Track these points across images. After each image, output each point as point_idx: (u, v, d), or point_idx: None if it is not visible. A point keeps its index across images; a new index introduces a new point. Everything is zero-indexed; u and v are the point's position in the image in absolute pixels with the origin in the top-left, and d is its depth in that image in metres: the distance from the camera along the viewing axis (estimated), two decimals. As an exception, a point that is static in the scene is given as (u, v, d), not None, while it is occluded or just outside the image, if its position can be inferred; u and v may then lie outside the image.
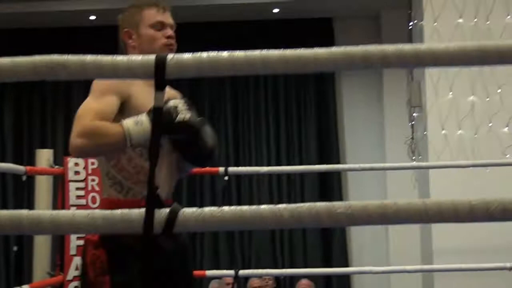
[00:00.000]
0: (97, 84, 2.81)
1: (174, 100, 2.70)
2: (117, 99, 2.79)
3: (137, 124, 2.62)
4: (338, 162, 8.98)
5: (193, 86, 9.22)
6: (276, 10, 8.93)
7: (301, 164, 8.74)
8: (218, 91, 9.27)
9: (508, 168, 5.92)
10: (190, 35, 8.85)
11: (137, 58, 1.74)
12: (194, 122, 2.69)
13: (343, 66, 1.85)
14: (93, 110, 2.75)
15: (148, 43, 2.97)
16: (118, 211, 1.76)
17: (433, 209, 1.70)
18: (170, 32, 3.02)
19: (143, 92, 2.79)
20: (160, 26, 2.99)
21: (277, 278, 8.04)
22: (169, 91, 2.88)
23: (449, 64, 1.82)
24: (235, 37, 8.73)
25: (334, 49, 1.78)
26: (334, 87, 9.32)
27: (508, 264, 5.57)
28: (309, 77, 9.20)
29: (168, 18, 3.03)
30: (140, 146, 2.72)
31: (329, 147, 9.12)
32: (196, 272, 7.85)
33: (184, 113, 2.65)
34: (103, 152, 2.89)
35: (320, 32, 9.10)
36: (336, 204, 1.73)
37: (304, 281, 7.63)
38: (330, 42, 8.82)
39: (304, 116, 9.23)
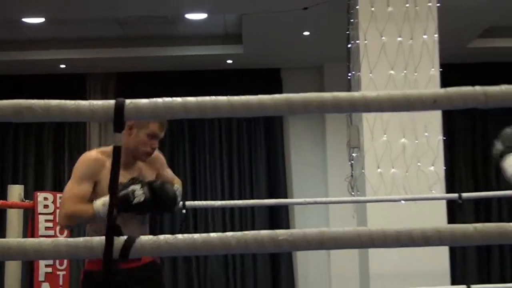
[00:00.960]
0: (76, 170, 3.31)
1: (132, 186, 3.11)
2: (90, 184, 3.26)
3: (104, 205, 3.03)
4: (286, 197, 8.98)
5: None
6: (230, 61, 8.97)
7: (252, 198, 8.72)
8: (177, 133, 9.25)
9: (433, 201, 5.99)
10: (151, 82, 8.90)
11: (98, 102, 1.72)
12: (146, 202, 3.11)
13: (285, 111, 1.85)
14: (73, 195, 3.22)
15: (137, 143, 3.36)
16: (81, 239, 1.75)
17: (365, 235, 1.71)
18: (155, 144, 3.42)
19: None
20: (152, 137, 3.37)
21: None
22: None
23: (379, 110, 1.83)
24: (193, 84, 8.75)
25: (277, 96, 1.78)
26: (282, 130, 9.37)
27: (437, 288, 5.63)
28: (259, 120, 9.24)
29: (161, 133, 3.42)
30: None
31: (277, 183, 9.16)
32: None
33: (139, 197, 3.09)
34: (81, 224, 3.37)
35: (270, 81, 9.16)
36: (279, 231, 1.73)
37: None
38: (279, 90, 8.88)
39: (255, 156, 9.27)
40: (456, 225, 1.76)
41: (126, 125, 3.07)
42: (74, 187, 3.25)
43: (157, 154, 3.56)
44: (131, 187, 3.10)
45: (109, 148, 3.30)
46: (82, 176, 3.27)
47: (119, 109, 1.69)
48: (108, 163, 3.20)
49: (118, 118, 1.69)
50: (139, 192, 3.10)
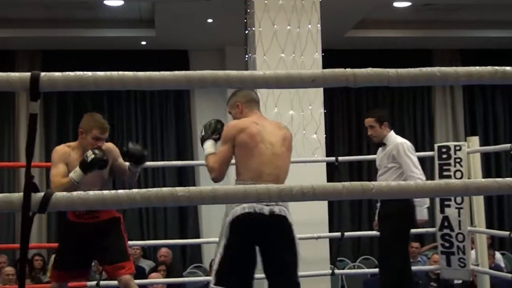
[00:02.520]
0: (53, 158, 3.96)
1: (87, 152, 3.79)
2: (64, 165, 3.90)
3: (75, 173, 3.75)
4: (192, 159, 8.95)
5: (77, 99, 8.98)
6: (144, 43, 8.80)
7: (163, 160, 8.64)
8: (97, 103, 9.02)
9: (316, 164, 6.09)
10: (74, 60, 8.64)
11: (15, 74, 1.65)
12: (97, 159, 3.76)
13: (185, 86, 1.81)
14: (57, 173, 3.88)
15: (86, 145, 3.91)
16: (2, 195, 1.69)
17: (252, 192, 1.70)
18: (101, 144, 3.94)
19: (75, 159, 3.90)
20: (97, 139, 3.92)
21: (143, 248, 7.95)
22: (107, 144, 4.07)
23: (265, 86, 1.83)
24: (111, 63, 8.52)
25: (177, 72, 1.75)
26: (190, 101, 9.30)
27: (315, 235, 5.74)
28: (170, 94, 9.14)
29: (104, 135, 3.96)
30: (79, 182, 3.75)
31: (185, 148, 9.10)
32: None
33: (91, 156, 3.74)
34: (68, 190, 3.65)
35: (178, 61, 9.04)
36: (178, 188, 1.72)
37: (163, 249, 7.56)
38: (186, 69, 8.78)
39: (166, 125, 9.17)
40: (327, 183, 1.78)
41: (79, 131, 3.97)
42: (55, 169, 3.90)
43: (112, 146, 4.13)
44: (86, 153, 3.78)
45: (73, 143, 4.04)
46: (57, 161, 3.92)
47: (34, 80, 1.63)
48: (73, 153, 3.96)
49: (34, 89, 1.63)
50: (90, 153, 3.74)
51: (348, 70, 1.83)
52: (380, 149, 5.19)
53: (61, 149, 4.01)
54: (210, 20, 7.92)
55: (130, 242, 6.32)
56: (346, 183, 1.75)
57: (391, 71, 1.84)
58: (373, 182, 1.78)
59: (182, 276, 7.23)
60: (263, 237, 3.53)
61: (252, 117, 3.71)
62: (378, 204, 5.15)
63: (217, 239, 7.18)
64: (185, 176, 9.04)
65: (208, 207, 8.68)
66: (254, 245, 3.56)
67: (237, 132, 3.58)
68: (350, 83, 1.81)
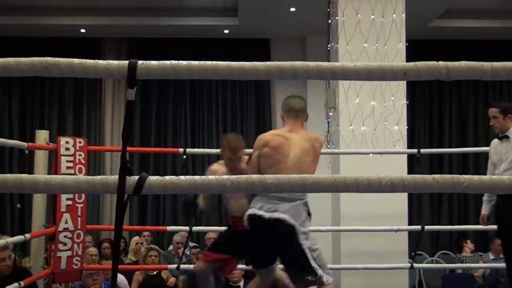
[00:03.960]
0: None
1: None
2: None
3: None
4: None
5: (160, 89, 9.19)
6: (226, 31, 8.88)
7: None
8: (180, 93, 9.21)
9: (397, 155, 6.00)
10: (159, 48, 8.83)
11: (114, 62, 1.70)
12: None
13: (276, 77, 1.82)
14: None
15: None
16: (98, 177, 1.76)
17: (341, 181, 1.71)
18: (235, 163, 4.43)
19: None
20: (230, 159, 4.46)
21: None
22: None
23: (357, 78, 1.82)
24: (194, 50, 8.70)
25: (270, 63, 1.77)
26: (270, 91, 9.33)
27: (395, 227, 5.66)
28: (251, 84, 9.20)
29: (237, 155, 4.48)
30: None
31: (264, 136, 9.13)
32: (159, 228, 7.87)
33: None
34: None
35: (260, 50, 9.08)
36: (267, 176, 1.74)
37: (211, 234, 7.43)
38: (267, 58, 8.83)
39: (246, 115, 9.26)
40: (417, 175, 1.76)
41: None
42: None
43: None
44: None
45: None
46: None
47: (132, 68, 1.68)
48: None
49: (131, 76, 1.68)
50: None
51: (441, 63, 1.80)
52: (497, 141, 4.84)
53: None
54: (293, 9, 7.91)
55: (206, 228, 6.46)
56: (436, 176, 1.73)
57: (486, 64, 1.79)
58: (464, 176, 1.75)
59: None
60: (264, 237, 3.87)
61: (285, 128, 4.08)
62: (488, 199, 4.92)
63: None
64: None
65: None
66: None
67: (261, 145, 3.92)
68: (443, 76, 1.78)
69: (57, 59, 1.66)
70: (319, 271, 3.70)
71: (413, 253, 6.08)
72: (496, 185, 1.71)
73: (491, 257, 7.69)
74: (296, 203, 3.75)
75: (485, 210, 4.97)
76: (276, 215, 3.69)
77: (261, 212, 3.71)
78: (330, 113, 6.46)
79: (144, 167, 8.92)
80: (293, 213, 3.74)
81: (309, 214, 3.93)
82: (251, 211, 3.78)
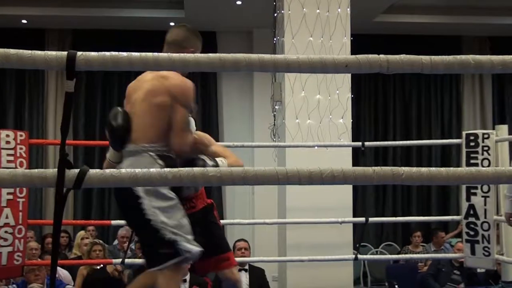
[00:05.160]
0: None
1: None
2: None
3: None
4: (217, 141, 8.96)
5: (104, 80, 9.04)
6: (172, 24, 8.80)
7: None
8: (125, 85, 9.07)
9: (342, 148, 6.07)
10: (103, 39, 8.70)
11: (52, 53, 1.66)
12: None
13: (218, 69, 1.82)
14: None
15: None
16: (36, 170, 1.72)
17: (282, 174, 1.71)
18: None
19: None
20: None
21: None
22: None
23: (298, 71, 1.83)
24: (139, 43, 8.56)
25: (212, 55, 1.76)
26: (216, 84, 9.30)
27: (339, 219, 5.74)
28: (196, 77, 9.16)
29: None
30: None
31: (211, 130, 9.09)
32: (103, 222, 7.75)
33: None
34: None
35: (206, 42, 8.98)
36: (210, 169, 1.73)
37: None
38: (214, 51, 8.79)
39: (193, 106, 9.16)
40: (358, 168, 1.78)
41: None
42: None
43: None
44: None
45: None
46: None
47: (71, 59, 1.65)
48: None
49: (70, 68, 1.65)
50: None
51: (382, 56, 1.83)
52: None
53: None
54: (239, 2, 7.90)
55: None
56: (377, 168, 1.75)
57: (425, 58, 1.83)
58: (403, 168, 1.78)
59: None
60: None
61: None
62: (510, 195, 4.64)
63: (240, 220, 7.19)
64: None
65: (232, 188, 8.72)
66: None
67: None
68: (384, 69, 1.81)
69: (-10, 49, 1.62)
70: (178, 241, 2.83)
71: (357, 245, 6.18)
72: (434, 177, 1.75)
73: (433, 248, 7.90)
74: (140, 157, 2.92)
75: (509, 208, 4.64)
76: None
77: None
78: (276, 106, 6.49)
79: (89, 161, 8.77)
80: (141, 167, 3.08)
81: (171, 165, 2.81)
82: None
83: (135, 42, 8.56)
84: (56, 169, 1.68)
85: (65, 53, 1.65)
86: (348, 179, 1.72)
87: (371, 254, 8.39)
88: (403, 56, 1.84)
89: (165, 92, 3.00)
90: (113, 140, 3.06)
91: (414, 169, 1.76)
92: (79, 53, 1.66)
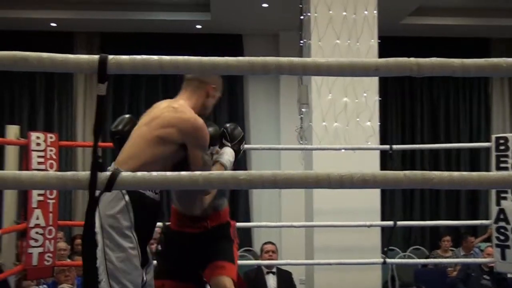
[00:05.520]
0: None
1: None
2: None
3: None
4: (245, 144, 8.97)
5: (132, 83, 9.10)
6: (199, 26, 8.85)
7: (216, 145, 8.68)
8: (153, 87, 9.15)
9: (369, 151, 6.04)
10: (130, 42, 8.77)
11: (84, 56, 1.68)
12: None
13: (248, 72, 1.81)
14: None
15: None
16: (69, 173, 1.73)
17: (312, 178, 1.71)
18: None
19: None
20: None
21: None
22: None
23: (328, 74, 1.82)
24: (166, 45, 8.61)
25: (241, 58, 1.76)
26: (243, 87, 9.32)
27: (367, 223, 5.70)
28: (223, 80, 9.16)
29: None
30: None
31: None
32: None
33: None
34: None
35: (233, 45, 9.06)
36: (240, 172, 1.74)
37: None
38: (240, 54, 8.80)
39: (219, 110, 9.19)
40: (388, 171, 1.77)
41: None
42: None
43: None
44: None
45: None
46: None
47: (103, 63, 1.66)
48: None
49: (102, 71, 1.66)
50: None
51: (412, 59, 1.81)
52: None
53: None
54: (265, 5, 7.91)
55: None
56: (407, 172, 1.74)
57: (456, 61, 1.81)
58: (434, 172, 1.76)
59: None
60: None
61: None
62: None
63: (267, 223, 7.19)
64: (238, 161, 9.06)
65: (259, 191, 8.72)
66: None
67: None
68: (414, 72, 1.79)
69: (27, 53, 1.64)
70: None
71: (385, 249, 6.13)
72: (465, 182, 1.73)
73: (462, 253, 7.81)
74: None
75: None
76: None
77: None
78: (302, 110, 6.47)
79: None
80: (104, 202, 2.64)
81: (141, 205, 2.67)
82: None
83: (161, 45, 8.63)
84: (89, 172, 1.70)
85: (96, 56, 1.67)
86: (378, 183, 1.71)
87: (399, 258, 8.32)
88: (433, 59, 1.82)
89: (172, 125, 2.82)
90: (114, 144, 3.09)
91: (446, 173, 1.74)
92: (110, 56, 1.68)
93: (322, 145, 6.02)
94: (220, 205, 3.37)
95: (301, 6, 6.56)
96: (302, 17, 6.54)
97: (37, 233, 5.03)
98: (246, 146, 8.90)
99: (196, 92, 3.11)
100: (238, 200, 9.07)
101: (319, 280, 6.08)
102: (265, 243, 6.40)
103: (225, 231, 3.36)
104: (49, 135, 5.22)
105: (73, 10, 8.33)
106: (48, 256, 5.12)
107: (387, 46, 6.48)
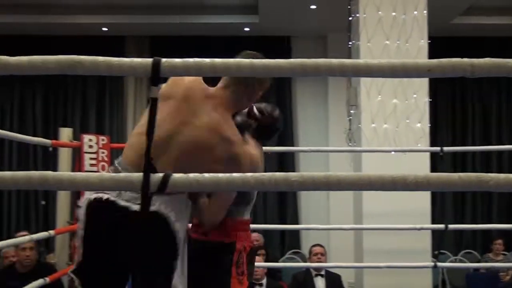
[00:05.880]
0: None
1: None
2: None
3: None
4: (292, 145, 8.97)
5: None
6: (247, 29, 8.88)
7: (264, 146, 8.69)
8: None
9: (419, 153, 5.96)
10: (180, 45, 8.85)
11: (138, 60, 1.71)
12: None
13: (299, 74, 1.81)
14: None
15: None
16: (122, 174, 1.76)
17: (365, 180, 1.70)
18: None
19: None
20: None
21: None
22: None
23: (381, 75, 1.80)
24: (215, 48, 8.67)
25: (293, 60, 1.76)
26: (291, 89, 9.31)
27: (417, 226, 5.62)
28: (271, 82, 9.17)
29: None
30: None
31: (286, 135, 9.09)
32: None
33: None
34: None
35: (281, 47, 9.05)
36: (291, 174, 1.73)
37: (254, 234, 7.53)
38: (288, 56, 8.80)
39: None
40: (442, 173, 1.74)
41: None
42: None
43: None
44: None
45: None
46: None
47: (156, 66, 1.68)
48: None
49: (155, 74, 1.69)
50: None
51: (466, 60, 1.78)
52: None
53: None
54: (313, 7, 7.89)
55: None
56: (462, 174, 1.71)
57: (512, 61, 1.77)
58: (489, 174, 1.72)
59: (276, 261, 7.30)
60: None
61: None
62: None
63: (316, 226, 7.17)
64: (286, 162, 9.06)
65: (307, 193, 8.69)
66: None
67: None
68: (468, 73, 1.76)
69: (83, 57, 1.67)
70: None
71: (436, 252, 6.04)
72: (523, 183, 1.69)
73: (516, 257, 7.64)
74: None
75: None
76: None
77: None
78: (351, 111, 6.43)
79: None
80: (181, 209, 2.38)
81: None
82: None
83: (210, 47, 8.68)
84: (142, 174, 1.72)
85: (150, 60, 1.69)
86: (432, 185, 1.68)
87: (450, 261, 8.18)
88: (488, 60, 1.78)
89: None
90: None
91: (502, 175, 1.70)
92: (163, 59, 1.70)
93: (371, 147, 5.97)
94: (233, 212, 2.71)
95: (349, 7, 6.52)
96: (350, 18, 6.50)
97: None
98: (294, 148, 8.92)
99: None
100: (286, 202, 9.06)
101: (369, 283, 6.03)
102: (314, 246, 6.37)
103: (223, 257, 2.67)
104: (101, 137, 5.32)
105: (124, 14, 8.47)
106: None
107: (437, 47, 6.38)
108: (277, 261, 7.37)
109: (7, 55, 1.69)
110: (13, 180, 1.71)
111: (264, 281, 5.88)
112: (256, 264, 4.51)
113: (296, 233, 8.87)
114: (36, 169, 8.55)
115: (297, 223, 8.84)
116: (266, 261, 6.70)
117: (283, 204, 9.06)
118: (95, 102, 9.37)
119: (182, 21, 8.57)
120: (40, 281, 4.25)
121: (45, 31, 8.78)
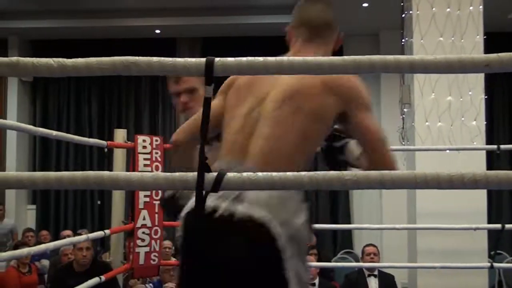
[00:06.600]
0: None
1: None
2: None
3: None
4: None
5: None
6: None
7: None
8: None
9: (475, 152, 5.83)
10: (231, 46, 8.91)
11: (192, 60, 1.71)
12: None
13: (353, 71, 1.78)
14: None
15: None
16: (176, 174, 1.76)
17: (421, 178, 1.66)
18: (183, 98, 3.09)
19: None
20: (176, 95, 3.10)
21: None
22: None
23: (436, 72, 1.76)
24: (265, 48, 8.64)
25: (347, 57, 1.74)
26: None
27: (473, 226, 5.50)
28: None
29: (179, 87, 3.10)
30: None
31: (337, 133, 8.99)
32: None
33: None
34: None
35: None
36: (345, 172, 1.71)
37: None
38: (340, 54, 8.70)
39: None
40: (500, 171, 1.69)
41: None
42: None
43: None
44: None
45: None
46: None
47: (209, 65, 1.69)
48: None
49: (209, 73, 1.69)
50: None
51: (527, 53, 1.72)
52: None
53: None
54: (365, 5, 7.82)
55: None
56: (522, 172, 1.65)
57: None
58: (552, 172, 1.67)
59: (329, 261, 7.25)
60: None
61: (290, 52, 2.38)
62: None
63: (369, 225, 7.10)
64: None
65: (360, 192, 8.62)
66: None
67: (229, 84, 2.34)
68: (529, 67, 1.71)
69: (137, 58, 1.69)
70: None
71: (492, 252, 5.89)
72: None
73: None
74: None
75: None
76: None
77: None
78: (404, 109, 6.34)
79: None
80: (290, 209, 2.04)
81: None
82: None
83: (259, 47, 8.68)
84: (196, 173, 1.73)
85: (203, 59, 1.70)
86: (491, 183, 1.63)
87: (507, 262, 7.98)
88: (550, 54, 1.73)
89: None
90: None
91: None
92: (216, 59, 1.70)
93: (425, 145, 5.87)
94: None
95: (402, 4, 6.43)
96: (403, 16, 6.41)
97: (143, 233, 5.20)
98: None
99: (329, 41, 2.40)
100: (338, 201, 9.01)
101: (422, 284, 5.93)
102: (366, 245, 6.31)
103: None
104: (154, 138, 5.39)
105: (176, 16, 8.57)
106: (154, 256, 5.28)
107: (493, 43, 6.23)
108: (329, 261, 7.32)
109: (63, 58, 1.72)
110: (70, 180, 1.74)
111: (316, 281, 5.85)
112: (309, 263, 4.36)
113: (348, 233, 8.80)
114: (92, 170, 8.73)
115: (348, 223, 8.78)
116: (318, 261, 6.68)
117: (335, 203, 9.01)
118: (148, 103, 9.51)
119: (232, 22, 8.63)
120: (95, 279, 4.33)
121: (101, 35, 8.96)
